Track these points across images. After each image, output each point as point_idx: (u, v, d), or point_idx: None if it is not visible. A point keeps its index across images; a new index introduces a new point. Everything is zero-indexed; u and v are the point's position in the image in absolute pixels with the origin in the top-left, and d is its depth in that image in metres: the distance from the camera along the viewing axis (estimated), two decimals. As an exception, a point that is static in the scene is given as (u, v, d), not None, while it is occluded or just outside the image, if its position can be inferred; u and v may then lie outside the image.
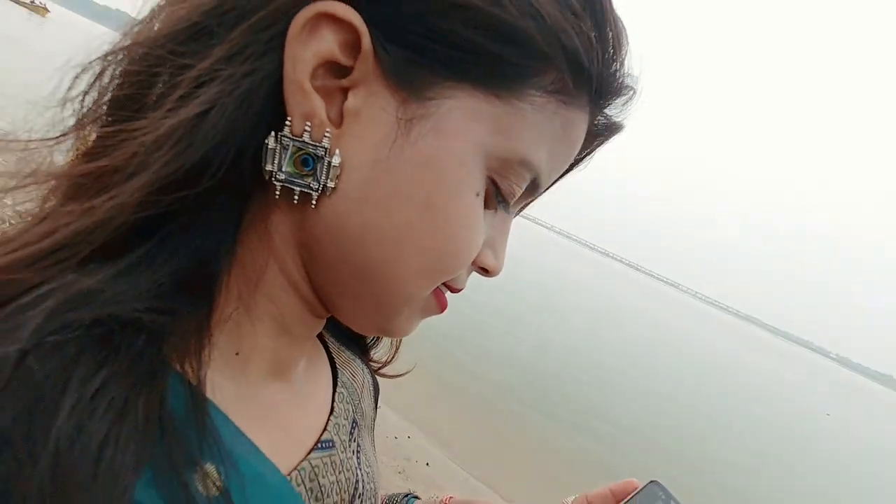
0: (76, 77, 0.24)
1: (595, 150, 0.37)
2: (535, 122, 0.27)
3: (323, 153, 0.25)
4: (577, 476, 4.72)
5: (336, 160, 0.25)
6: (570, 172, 0.38)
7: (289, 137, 0.24)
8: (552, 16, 0.24)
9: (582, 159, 0.38)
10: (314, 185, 0.25)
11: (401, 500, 0.54)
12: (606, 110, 0.32)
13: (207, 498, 0.23)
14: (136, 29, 0.24)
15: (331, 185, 0.25)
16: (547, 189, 0.38)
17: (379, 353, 0.49)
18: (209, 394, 0.24)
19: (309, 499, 0.31)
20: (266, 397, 0.31)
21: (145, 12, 0.25)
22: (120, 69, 0.24)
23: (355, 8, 0.23)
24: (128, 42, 0.24)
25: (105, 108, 0.24)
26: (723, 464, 7.24)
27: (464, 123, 0.26)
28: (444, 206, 0.27)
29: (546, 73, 0.26)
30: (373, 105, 0.25)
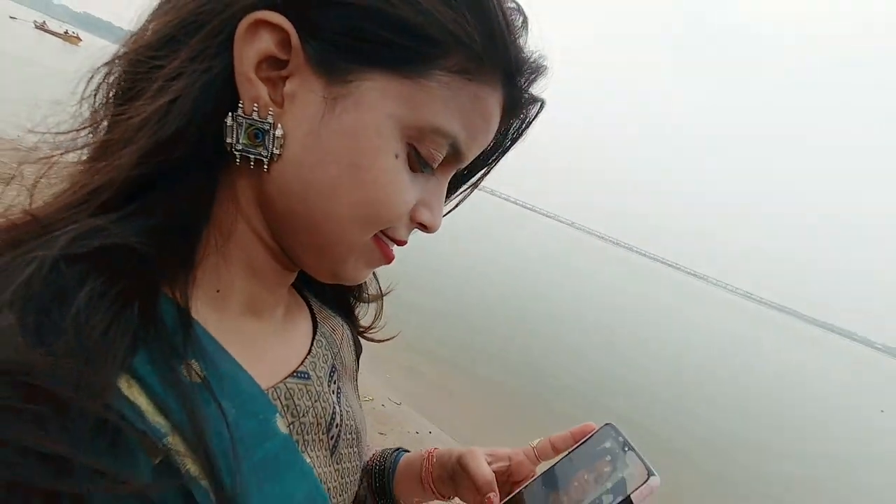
0: (90, 79, 0.31)
1: (527, 122, 0.44)
2: (442, 96, 0.33)
3: (269, 127, 0.31)
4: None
5: (279, 132, 0.32)
6: (514, 145, 0.45)
7: (242, 117, 0.31)
8: (440, 11, 0.30)
9: (519, 132, 0.44)
10: (264, 152, 0.32)
11: (391, 454, 0.61)
12: (524, 86, 0.38)
13: (191, 383, 0.28)
14: (130, 40, 0.31)
15: (277, 152, 0.32)
16: (493, 159, 0.46)
17: (367, 321, 0.56)
18: (195, 316, 0.31)
19: (285, 413, 0.37)
20: (245, 330, 0.37)
21: (138, 28, 0.32)
22: (119, 70, 0.31)
23: (285, 15, 0.30)
24: (124, 51, 0.31)
25: (111, 99, 0.31)
26: (781, 475, 6.87)
27: (378, 100, 0.32)
28: (367, 165, 0.33)
29: (447, 57, 0.32)
30: (305, 88, 0.32)
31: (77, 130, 0.31)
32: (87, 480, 0.22)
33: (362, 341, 0.57)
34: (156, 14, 0.32)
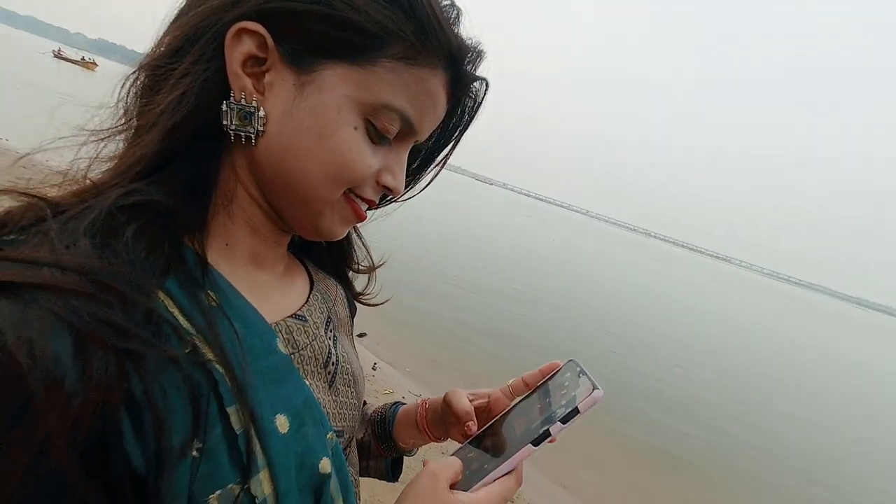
0: (123, 83, 0.41)
1: (479, 101, 0.52)
2: (389, 79, 0.41)
3: (254, 111, 0.40)
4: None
5: (262, 114, 0.40)
6: (471, 120, 0.53)
7: (233, 103, 0.39)
8: (376, 11, 0.38)
9: (474, 109, 0.52)
10: (251, 130, 0.40)
11: (390, 406, 0.70)
12: (467, 68, 0.45)
13: (209, 305, 0.36)
14: (149, 52, 0.41)
15: (261, 129, 0.40)
16: (456, 135, 0.54)
17: (362, 288, 0.65)
18: (210, 262, 0.40)
19: (286, 345, 0.44)
20: (250, 278, 0.45)
21: (154, 43, 0.42)
22: (143, 75, 0.41)
23: (261, 23, 0.38)
24: (146, 61, 0.41)
25: (138, 96, 0.41)
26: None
27: (335, 84, 0.40)
28: (329, 134, 0.40)
29: (388, 47, 0.40)
30: (280, 79, 0.40)
31: (115, 126, 0.41)
32: (143, 344, 0.30)
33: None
34: (167, 32, 0.41)
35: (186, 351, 0.33)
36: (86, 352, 0.28)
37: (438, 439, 0.64)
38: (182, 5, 0.41)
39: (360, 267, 0.64)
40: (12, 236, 0.32)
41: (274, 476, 0.36)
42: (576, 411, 0.45)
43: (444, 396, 0.60)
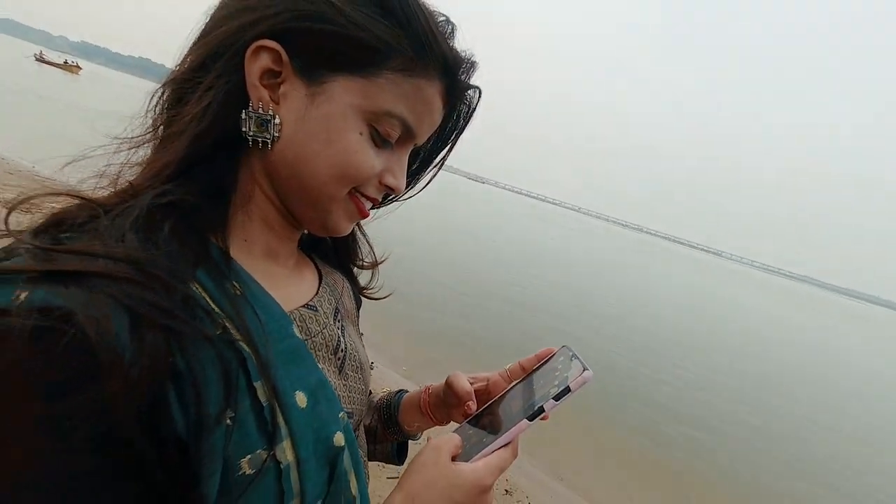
0: (151, 96, 0.45)
1: (472, 106, 0.56)
2: (390, 89, 0.45)
3: (270, 118, 0.44)
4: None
5: (277, 121, 0.44)
6: (466, 125, 0.58)
7: (252, 112, 0.43)
8: (379, 28, 0.43)
9: (468, 115, 0.57)
10: (268, 136, 0.44)
11: (395, 393, 0.74)
12: (461, 78, 0.50)
13: (234, 294, 0.40)
14: (175, 69, 0.45)
15: (276, 135, 0.44)
16: (452, 138, 0.59)
17: (366, 282, 0.69)
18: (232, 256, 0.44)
19: (300, 331, 0.48)
20: (266, 271, 0.48)
21: (179, 60, 0.46)
22: (170, 89, 0.44)
23: (277, 40, 0.42)
24: (172, 76, 0.45)
25: (165, 107, 0.45)
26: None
27: (342, 94, 0.44)
28: (336, 139, 0.44)
29: (389, 61, 0.44)
30: (293, 90, 0.44)
31: (143, 135, 0.45)
32: (184, 324, 0.34)
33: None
34: (191, 50, 0.45)
35: (218, 332, 0.37)
36: (139, 330, 0.32)
37: (441, 422, 0.68)
38: (203, 27, 0.45)
39: (364, 263, 0.68)
40: (68, 233, 0.36)
41: (295, 445, 0.40)
42: (567, 390, 0.48)
43: (447, 379, 0.64)
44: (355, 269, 0.69)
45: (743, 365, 10.77)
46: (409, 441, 0.75)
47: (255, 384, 0.38)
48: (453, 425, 0.63)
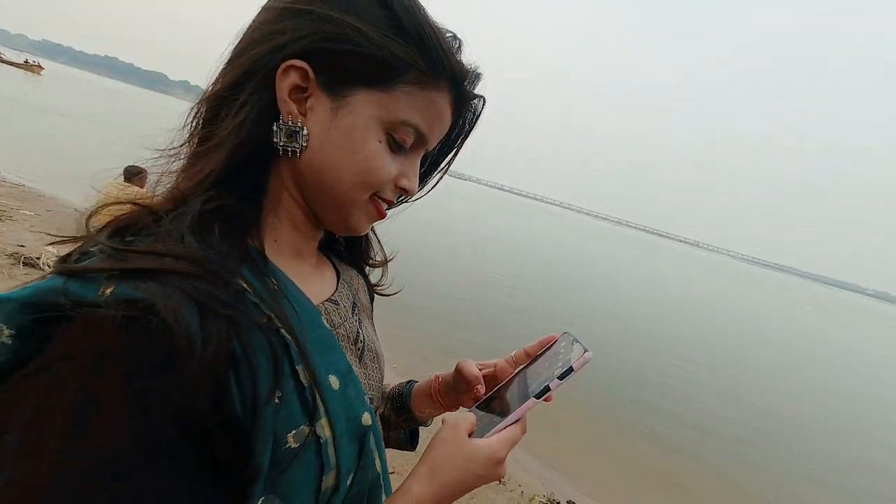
0: (189, 113, 0.49)
1: (476, 114, 0.61)
2: (405, 100, 0.48)
3: (299, 129, 0.47)
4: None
5: (305, 132, 0.48)
6: (471, 130, 0.62)
7: (283, 124, 0.47)
8: (395, 47, 0.46)
9: (473, 121, 0.61)
10: (297, 146, 0.48)
11: (406, 383, 0.78)
12: (467, 88, 0.54)
13: (273, 289, 0.44)
14: (208, 89, 0.49)
15: (304, 144, 0.48)
16: (458, 143, 0.63)
17: (377, 280, 0.74)
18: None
19: (327, 322, 0.52)
20: (294, 268, 0.52)
21: (211, 81, 0.49)
22: (206, 106, 0.48)
23: (304, 60, 0.46)
24: (207, 94, 0.48)
25: (201, 122, 0.48)
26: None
27: (363, 106, 0.48)
28: (359, 148, 0.48)
29: (405, 75, 0.48)
30: (319, 104, 0.47)
31: (181, 146, 0.49)
32: (239, 314, 0.38)
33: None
34: (224, 72, 0.48)
35: (264, 321, 0.41)
36: (206, 319, 0.36)
37: (450, 408, 0.72)
38: (235, 49, 0.49)
39: (374, 261, 0.72)
40: (131, 237, 0.40)
41: (331, 422, 0.44)
42: (571, 370, 0.53)
43: (457, 365, 0.68)
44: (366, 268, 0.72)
45: (735, 355, 11.20)
46: (420, 428, 0.78)
47: (296, 367, 0.42)
48: (463, 412, 0.65)
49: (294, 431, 0.41)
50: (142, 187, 3.39)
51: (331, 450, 0.44)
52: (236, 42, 0.49)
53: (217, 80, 0.48)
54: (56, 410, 0.32)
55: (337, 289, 0.60)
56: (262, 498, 0.39)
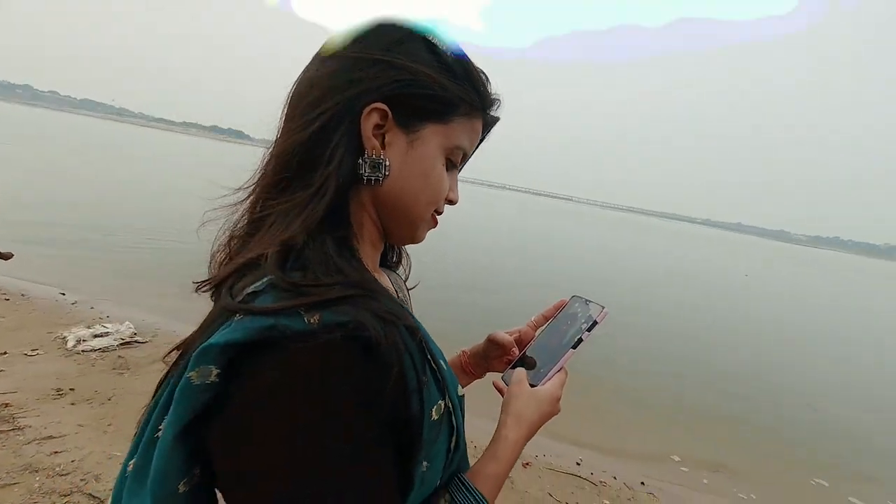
0: (262, 158, 0.56)
1: (490, 130, 0.70)
2: (460, 129, 0.57)
3: (382, 161, 0.54)
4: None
5: (387, 163, 0.54)
6: (481, 145, 0.72)
7: (368, 157, 0.53)
8: (454, 88, 0.55)
9: (485, 136, 0.71)
10: (380, 176, 0.54)
11: None
12: (493, 112, 0.63)
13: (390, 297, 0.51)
14: (287, 138, 0.54)
15: (386, 174, 0.55)
16: (469, 156, 0.74)
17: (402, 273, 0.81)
18: None
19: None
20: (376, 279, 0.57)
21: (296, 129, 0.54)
22: (273, 154, 0.54)
23: (384, 102, 0.52)
24: (274, 147, 0.55)
25: (295, 167, 0.52)
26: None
27: (432, 138, 0.55)
28: (430, 174, 0.56)
29: (459, 108, 0.56)
30: (396, 138, 0.54)
31: (253, 184, 0.56)
32: (404, 321, 0.48)
33: None
34: (312, 119, 0.53)
35: (412, 323, 0.50)
36: (388, 329, 0.44)
37: (480, 376, 0.84)
38: (311, 98, 0.53)
39: (392, 264, 0.82)
40: (293, 271, 0.46)
41: (450, 395, 0.53)
42: (595, 323, 0.66)
43: (488, 336, 0.79)
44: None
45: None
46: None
47: (427, 356, 0.51)
48: (489, 377, 0.78)
49: (435, 406, 0.49)
50: None
51: (457, 416, 0.53)
52: (304, 89, 0.54)
53: (295, 128, 0.53)
54: (303, 429, 0.38)
55: (395, 291, 0.71)
56: (425, 463, 0.48)
